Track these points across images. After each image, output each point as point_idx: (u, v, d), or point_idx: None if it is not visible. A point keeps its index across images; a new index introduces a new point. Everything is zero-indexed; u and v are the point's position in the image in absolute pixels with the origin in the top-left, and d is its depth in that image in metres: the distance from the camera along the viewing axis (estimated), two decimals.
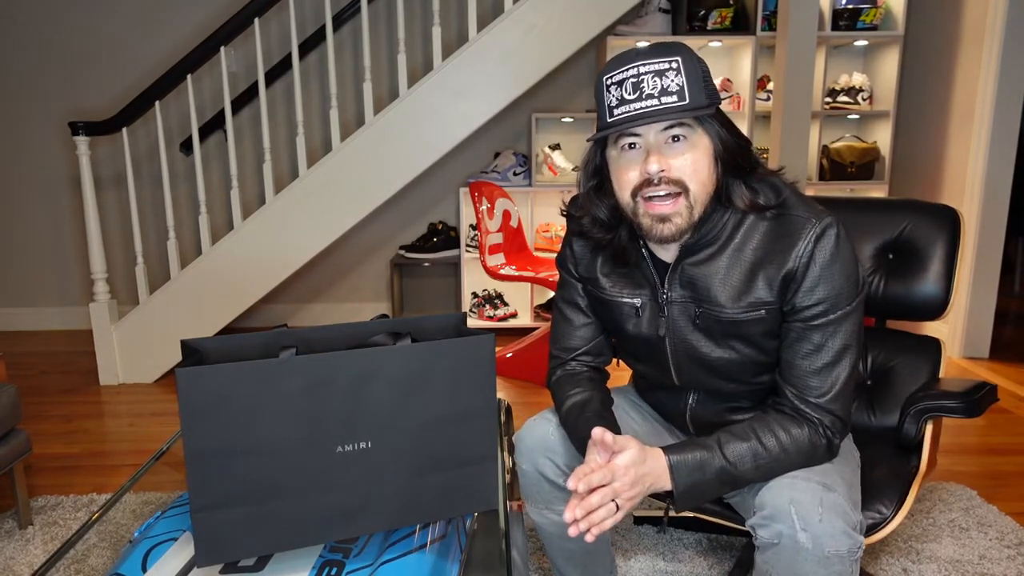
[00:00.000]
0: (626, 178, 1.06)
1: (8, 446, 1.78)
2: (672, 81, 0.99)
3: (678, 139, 1.02)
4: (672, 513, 1.16)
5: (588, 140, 1.10)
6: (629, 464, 0.98)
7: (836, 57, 3.70)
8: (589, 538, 0.95)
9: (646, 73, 0.99)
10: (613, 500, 0.97)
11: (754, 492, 1.09)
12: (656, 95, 0.99)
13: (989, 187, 3.01)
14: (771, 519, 0.99)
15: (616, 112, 1.02)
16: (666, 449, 1.03)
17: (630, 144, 1.04)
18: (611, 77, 1.02)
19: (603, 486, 0.97)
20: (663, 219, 1.04)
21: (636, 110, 1.00)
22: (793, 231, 1.05)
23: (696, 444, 1.05)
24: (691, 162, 1.02)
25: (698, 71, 1.01)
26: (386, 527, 0.96)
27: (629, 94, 1.00)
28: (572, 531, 0.95)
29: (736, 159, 1.06)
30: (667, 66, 0.99)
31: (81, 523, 1.85)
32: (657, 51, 1.00)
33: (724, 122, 1.06)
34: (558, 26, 2.96)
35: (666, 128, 1.02)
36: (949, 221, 1.42)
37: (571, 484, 0.96)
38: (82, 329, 3.91)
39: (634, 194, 1.05)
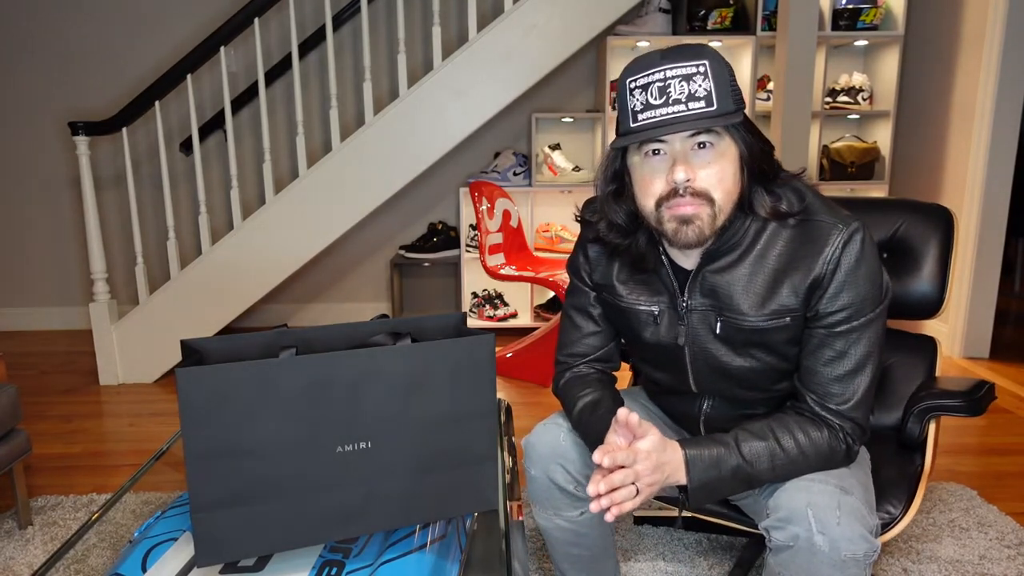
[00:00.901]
0: (651, 188, 1.03)
1: (8, 446, 1.78)
2: (700, 86, 0.96)
3: (704, 146, 1.00)
4: (686, 512, 1.16)
5: (612, 147, 1.07)
6: (651, 449, 0.98)
7: (836, 57, 3.70)
8: (609, 517, 0.95)
9: (673, 77, 0.96)
10: (634, 483, 0.96)
11: (767, 494, 1.08)
12: (684, 100, 0.96)
13: (989, 187, 3.01)
14: (787, 521, 0.98)
15: (641, 117, 0.98)
16: (683, 443, 1.03)
17: (654, 151, 1.02)
18: (635, 80, 0.99)
19: (625, 468, 0.96)
20: (686, 221, 1.01)
21: (663, 115, 0.97)
22: (819, 237, 1.03)
23: (713, 440, 1.04)
24: (717, 171, 1.00)
25: (725, 74, 0.98)
26: (386, 527, 0.96)
27: (655, 99, 0.97)
28: (594, 507, 0.95)
29: (761, 166, 1.04)
30: (695, 70, 0.96)
31: (81, 523, 1.85)
32: (683, 54, 0.97)
33: (750, 127, 1.03)
34: (558, 26, 2.96)
35: (692, 135, 0.99)
36: (943, 221, 1.42)
37: (596, 458, 0.95)
38: (82, 329, 3.91)
39: (658, 204, 1.03)
